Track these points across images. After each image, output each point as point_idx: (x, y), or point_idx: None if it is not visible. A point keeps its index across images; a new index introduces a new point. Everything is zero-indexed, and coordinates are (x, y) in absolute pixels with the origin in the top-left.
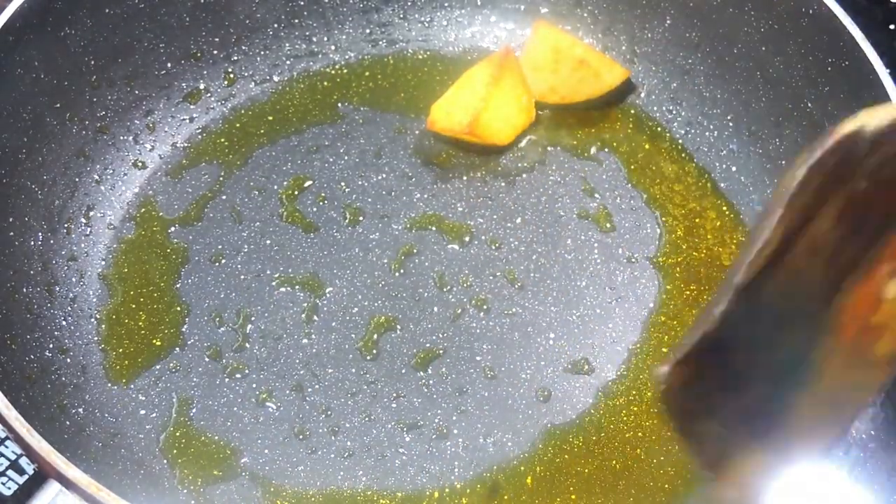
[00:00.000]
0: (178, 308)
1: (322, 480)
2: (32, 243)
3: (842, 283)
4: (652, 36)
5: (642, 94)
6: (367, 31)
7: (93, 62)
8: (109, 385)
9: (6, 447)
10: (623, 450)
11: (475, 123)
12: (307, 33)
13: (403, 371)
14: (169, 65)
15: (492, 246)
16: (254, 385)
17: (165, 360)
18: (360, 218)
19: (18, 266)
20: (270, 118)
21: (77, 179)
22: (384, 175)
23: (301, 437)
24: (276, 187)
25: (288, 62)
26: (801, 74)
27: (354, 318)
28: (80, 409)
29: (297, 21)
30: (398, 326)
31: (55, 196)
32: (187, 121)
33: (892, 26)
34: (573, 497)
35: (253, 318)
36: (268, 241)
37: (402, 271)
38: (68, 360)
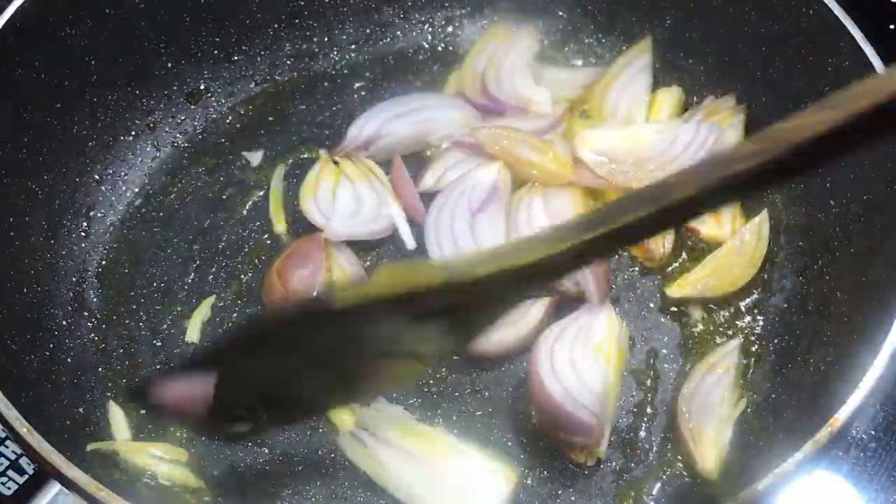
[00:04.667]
0: (179, 308)
1: (322, 480)
2: (32, 243)
3: None
4: (652, 36)
5: None
6: (367, 31)
7: (93, 62)
8: (109, 385)
9: (6, 447)
10: (624, 450)
11: None
12: (307, 33)
13: None
14: (169, 65)
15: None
16: None
17: (165, 360)
18: None
19: (18, 266)
20: (271, 118)
21: (77, 179)
22: None
23: (301, 436)
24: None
25: (288, 62)
26: (801, 74)
27: None
28: (80, 409)
29: (297, 21)
30: None
31: (55, 196)
32: (187, 121)
33: (892, 26)
34: (573, 498)
35: (254, 318)
36: (268, 241)
37: None
38: (68, 360)
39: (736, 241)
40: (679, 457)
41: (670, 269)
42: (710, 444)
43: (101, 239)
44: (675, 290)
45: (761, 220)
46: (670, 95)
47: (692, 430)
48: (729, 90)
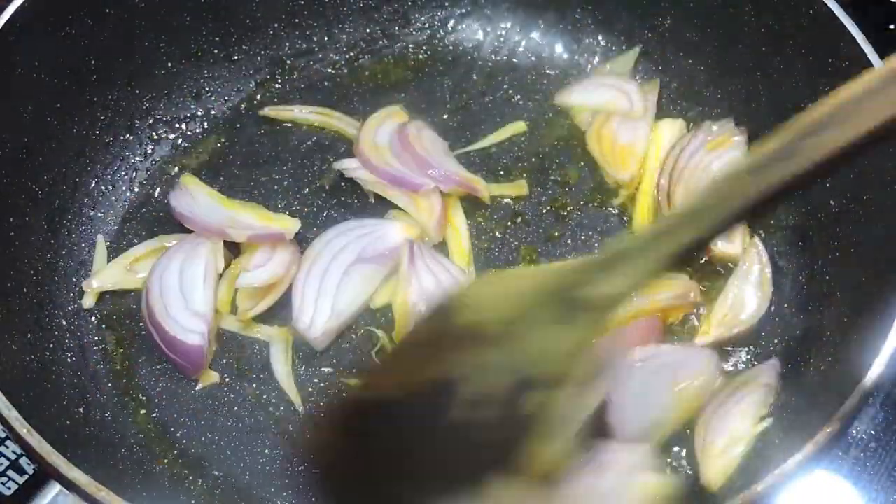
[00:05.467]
0: None
1: (323, 481)
2: (32, 243)
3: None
4: (652, 36)
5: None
6: (367, 31)
7: (93, 62)
8: (109, 385)
9: (6, 447)
10: None
11: None
12: (307, 33)
13: None
14: (169, 65)
15: (491, 245)
16: (254, 385)
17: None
18: None
19: (18, 266)
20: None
21: (77, 179)
22: None
23: (301, 436)
24: (276, 187)
25: (288, 62)
26: (801, 74)
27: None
28: (81, 409)
29: (297, 21)
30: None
31: (55, 196)
32: (187, 120)
33: (892, 26)
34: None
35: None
36: None
37: None
38: (68, 360)
39: (742, 267)
40: (683, 460)
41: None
42: (715, 457)
43: (101, 239)
44: (705, 338)
45: (754, 243)
46: (672, 126)
47: (705, 442)
48: (727, 107)
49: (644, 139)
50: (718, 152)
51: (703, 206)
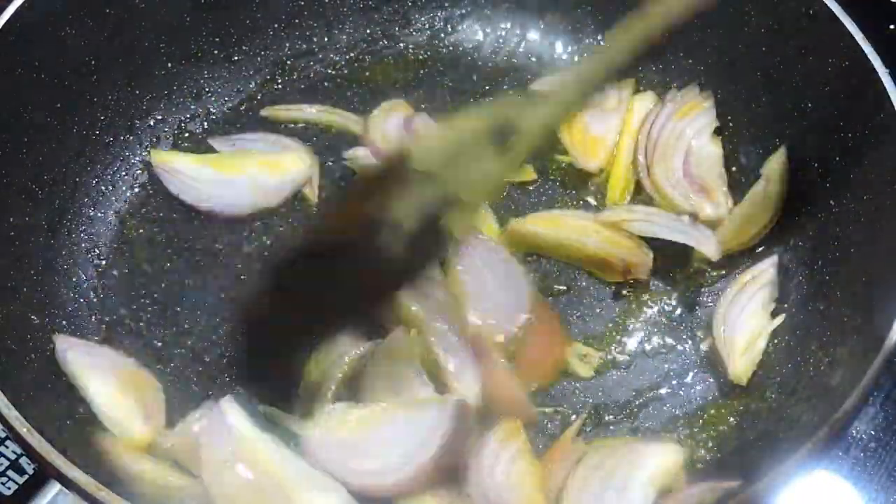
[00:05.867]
0: (179, 308)
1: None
2: (33, 243)
3: None
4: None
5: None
6: (367, 31)
7: (93, 62)
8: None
9: (6, 447)
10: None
11: None
12: (307, 33)
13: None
14: (169, 65)
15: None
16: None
17: (166, 360)
18: None
19: (18, 266)
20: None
21: (77, 179)
22: None
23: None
24: None
25: (288, 62)
26: (801, 74)
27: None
28: (80, 409)
29: (297, 21)
30: None
31: (55, 196)
32: (187, 121)
33: (892, 26)
34: None
35: None
36: (268, 242)
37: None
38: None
39: (759, 185)
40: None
41: None
42: (740, 353)
43: (101, 239)
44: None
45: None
46: (644, 99)
47: (725, 340)
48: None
49: (615, 131)
50: (689, 119)
51: (602, 50)
